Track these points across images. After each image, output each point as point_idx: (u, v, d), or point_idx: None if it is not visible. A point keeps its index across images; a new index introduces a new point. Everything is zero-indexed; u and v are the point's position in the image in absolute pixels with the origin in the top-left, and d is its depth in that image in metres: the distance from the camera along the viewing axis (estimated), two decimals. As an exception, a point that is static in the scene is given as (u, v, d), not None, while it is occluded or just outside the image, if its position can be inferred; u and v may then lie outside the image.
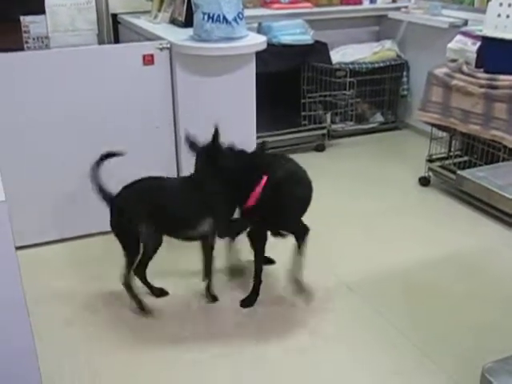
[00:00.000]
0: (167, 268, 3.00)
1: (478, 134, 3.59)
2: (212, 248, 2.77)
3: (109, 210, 2.65)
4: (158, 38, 3.31)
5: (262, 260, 2.79)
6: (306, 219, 2.76)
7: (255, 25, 4.37)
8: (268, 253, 2.85)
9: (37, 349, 1.60)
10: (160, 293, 2.87)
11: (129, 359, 2.47)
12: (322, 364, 2.44)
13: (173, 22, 3.69)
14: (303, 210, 2.71)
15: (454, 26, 4.33)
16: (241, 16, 3.14)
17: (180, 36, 3.28)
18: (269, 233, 2.79)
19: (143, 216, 2.60)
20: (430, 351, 2.49)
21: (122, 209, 2.63)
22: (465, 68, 3.63)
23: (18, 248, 1.53)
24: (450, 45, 3.85)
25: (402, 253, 3.26)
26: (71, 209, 3.30)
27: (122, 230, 2.66)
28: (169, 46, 3.19)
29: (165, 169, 3.33)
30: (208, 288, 2.83)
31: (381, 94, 5.07)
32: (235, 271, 2.99)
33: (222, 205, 2.68)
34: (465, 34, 3.80)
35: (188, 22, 3.39)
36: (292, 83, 4.58)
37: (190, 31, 3.25)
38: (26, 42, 3.43)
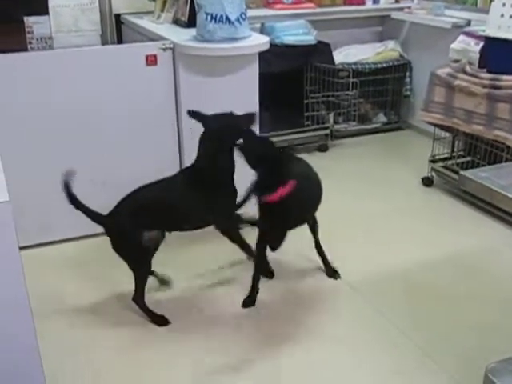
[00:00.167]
0: (168, 269, 3.00)
1: (481, 135, 3.59)
2: (235, 233, 2.81)
3: (107, 234, 2.63)
4: (161, 38, 3.31)
5: (262, 258, 2.79)
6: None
7: (258, 25, 4.37)
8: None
9: (40, 348, 1.60)
10: (162, 281, 2.91)
11: (130, 359, 2.48)
12: (324, 363, 2.45)
13: (176, 22, 3.69)
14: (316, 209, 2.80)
15: (457, 27, 4.33)
16: (244, 16, 3.15)
17: (183, 36, 3.28)
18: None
19: (145, 227, 2.60)
20: (431, 351, 2.49)
21: (122, 230, 2.60)
22: (468, 68, 3.63)
23: (22, 248, 1.54)
24: (452, 45, 3.84)
25: (405, 253, 3.26)
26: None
27: (128, 249, 2.63)
28: (172, 46, 3.19)
29: (167, 169, 3.34)
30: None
31: (384, 95, 5.06)
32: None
33: (223, 195, 2.67)
34: (468, 34, 3.80)
35: (191, 23, 3.40)
36: (295, 83, 4.58)
37: (192, 31, 3.26)
38: (30, 43, 3.44)
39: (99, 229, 3.29)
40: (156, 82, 3.24)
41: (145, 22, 3.80)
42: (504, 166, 2.90)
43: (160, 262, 2.74)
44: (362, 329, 2.65)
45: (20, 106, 3.04)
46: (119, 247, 2.62)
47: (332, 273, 3.00)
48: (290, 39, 4.34)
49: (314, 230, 2.93)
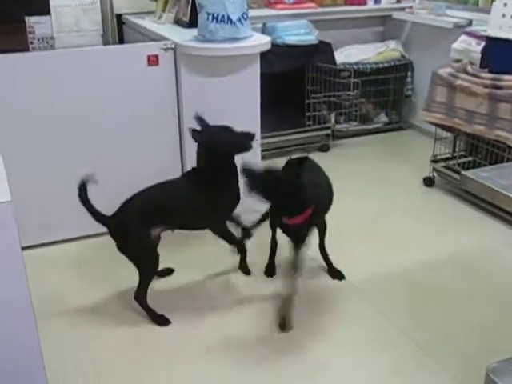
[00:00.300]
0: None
1: (483, 135, 3.59)
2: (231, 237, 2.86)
3: (111, 235, 2.63)
4: (163, 38, 3.31)
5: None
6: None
7: (260, 25, 4.37)
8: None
9: (41, 348, 1.60)
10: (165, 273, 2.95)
11: (131, 359, 2.48)
12: (324, 363, 2.45)
13: (177, 22, 3.69)
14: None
15: (459, 27, 4.33)
16: (245, 16, 3.15)
17: (184, 36, 3.29)
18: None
19: (151, 224, 2.61)
20: (432, 351, 2.49)
21: (129, 229, 2.60)
22: (469, 68, 3.63)
23: (24, 248, 1.54)
24: (454, 45, 3.84)
25: (406, 253, 3.26)
26: (77, 209, 3.30)
27: (135, 248, 2.63)
28: (173, 46, 3.20)
29: (169, 169, 3.34)
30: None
31: (385, 95, 5.06)
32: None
33: (219, 201, 2.71)
34: (469, 34, 3.80)
35: (192, 23, 3.40)
36: (296, 83, 4.58)
37: (194, 32, 3.26)
38: (31, 43, 3.44)
39: (101, 229, 3.32)
40: (157, 83, 3.24)
41: (146, 22, 3.80)
42: (505, 166, 2.89)
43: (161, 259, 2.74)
44: (363, 328, 2.65)
45: (21, 106, 3.04)
46: (125, 247, 2.62)
47: (336, 274, 3.01)
48: (291, 39, 4.33)
49: (321, 231, 2.95)
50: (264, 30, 4.33)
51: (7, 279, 1.47)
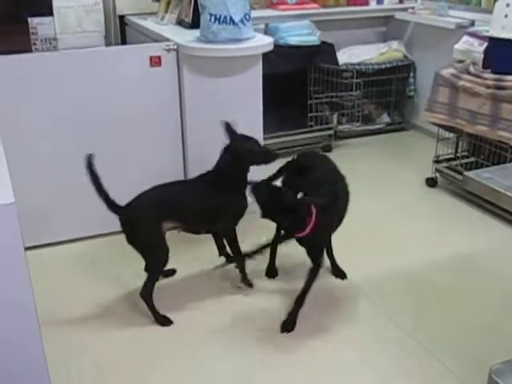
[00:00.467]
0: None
1: (485, 135, 3.59)
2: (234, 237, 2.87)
3: (122, 225, 2.63)
4: (165, 39, 3.32)
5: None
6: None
7: (262, 26, 4.37)
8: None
9: (45, 350, 1.61)
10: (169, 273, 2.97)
11: (134, 360, 2.48)
12: (328, 364, 2.45)
13: (180, 23, 3.70)
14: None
15: (461, 27, 4.33)
16: (247, 17, 3.15)
17: (187, 37, 3.29)
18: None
19: (164, 217, 2.63)
20: (435, 351, 2.49)
21: (141, 219, 2.62)
22: (472, 69, 3.62)
23: (28, 248, 1.54)
24: (456, 45, 3.84)
25: (409, 253, 3.26)
26: (80, 209, 3.31)
27: (146, 240, 2.64)
28: (176, 47, 3.20)
29: (172, 170, 3.35)
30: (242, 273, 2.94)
31: (387, 95, 5.06)
32: None
33: (235, 205, 2.79)
34: (472, 34, 3.80)
35: (195, 24, 3.40)
36: (299, 84, 4.58)
37: (196, 32, 3.26)
38: (34, 44, 3.45)
39: (103, 229, 3.33)
40: (160, 83, 3.24)
41: (149, 23, 3.81)
42: (508, 166, 2.89)
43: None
44: (366, 328, 2.65)
45: (24, 107, 3.04)
46: (135, 238, 2.63)
47: (338, 273, 3.01)
48: (293, 40, 4.33)
49: None
50: (266, 31, 4.33)
51: (10, 280, 1.48)
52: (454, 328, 2.65)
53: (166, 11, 3.83)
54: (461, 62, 3.77)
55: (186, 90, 3.24)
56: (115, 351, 2.53)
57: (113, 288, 2.94)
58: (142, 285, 2.66)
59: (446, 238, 3.43)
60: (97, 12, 3.52)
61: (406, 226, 3.57)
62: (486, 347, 2.50)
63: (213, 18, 3.08)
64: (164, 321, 2.68)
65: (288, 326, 2.63)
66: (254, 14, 3.51)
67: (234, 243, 2.88)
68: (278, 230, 2.92)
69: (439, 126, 3.93)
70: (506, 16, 3.39)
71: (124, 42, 4.19)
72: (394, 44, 5.02)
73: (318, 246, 2.71)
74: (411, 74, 5.01)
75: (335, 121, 4.79)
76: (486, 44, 3.60)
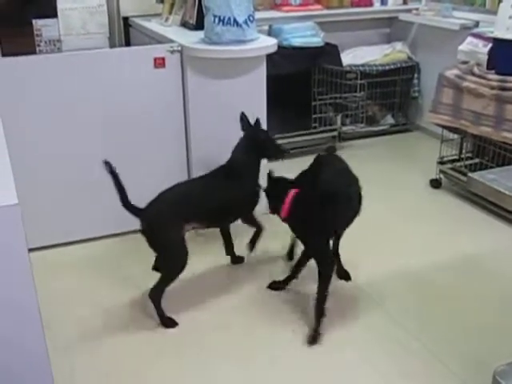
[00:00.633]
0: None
1: (490, 136, 3.58)
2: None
3: (143, 228, 2.62)
4: (169, 40, 3.32)
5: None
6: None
7: (266, 27, 4.37)
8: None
9: (48, 351, 1.61)
10: None
11: (138, 361, 2.48)
12: (331, 365, 2.45)
13: (184, 24, 3.70)
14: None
15: (465, 28, 4.32)
16: (251, 18, 3.15)
17: (191, 39, 3.29)
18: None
19: (185, 219, 2.64)
20: (439, 353, 2.48)
21: (163, 222, 2.61)
22: (476, 70, 3.62)
23: (32, 250, 1.55)
24: (461, 47, 3.83)
25: (413, 255, 3.25)
26: (84, 211, 3.32)
27: (167, 242, 2.64)
28: (180, 48, 3.20)
29: (175, 171, 3.36)
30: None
31: (392, 96, 5.06)
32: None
33: (250, 195, 2.86)
34: (476, 35, 3.79)
35: (199, 25, 3.40)
36: (303, 85, 4.58)
37: (200, 34, 3.26)
38: (38, 46, 3.45)
39: (107, 231, 3.34)
40: (164, 85, 3.24)
41: (153, 25, 3.81)
42: (512, 167, 2.89)
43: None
44: (369, 330, 2.65)
45: (28, 108, 3.05)
46: (157, 241, 2.62)
47: (343, 274, 3.01)
48: (297, 41, 4.33)
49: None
50: (270, 32, 4.34)
51: (14, 281, 1.48)
52: (457, 329, 2.65)
53: (170, 13, 3.84)
54: (465, 63, 3.77)
55: (190, 92, 3.24)
56: (119, 351, 2.53)
57: (115, 290, 2.94)
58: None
59: (450, 239, 3.42)
60: (101, 14, 3.53)
61: (409, 227, 3.56)
62: (488, 348, 2.50)
63: (217, 20, 3.08)
64: (169, 323, 2.68)
65: (312, 339, 2.58)
66: (258, 15, 3.51)
67: (253, 222, 2.98)
68: None
69: (443, 127, 3.92)
70: (510, 17, 3.38)
71: (128, 43, 4.19)
72: (398, 45, 5.02)
73: (311, 244, 2.68)
74: (415, 76, 5.01)
75: (339, 122, 4.79)
76: (490, 45, 3.59)
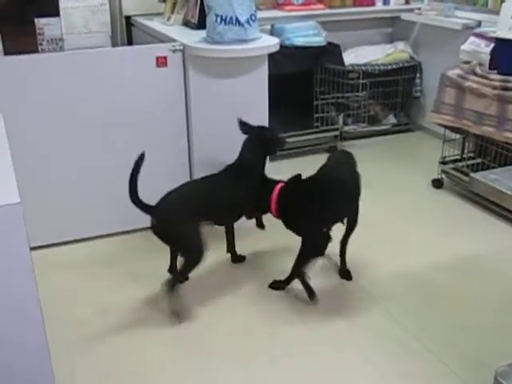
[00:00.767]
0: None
1: (492, 136, 3.57)
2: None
3: (157, 226, 2.64)
4: (171, 39, 3.32)
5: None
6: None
7: (268, 27, 4.37)
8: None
9: (49, 349, 1.61)
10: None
11: (138, 362, 2.48)
12: (331, 365, 2.44)
13: (186, 24, 3.70)
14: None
15: (468, 28, 4.32)
16: (253, 18, 3.15)
17: (193, 38, 3.29)
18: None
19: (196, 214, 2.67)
20: (440, 353, 2.48)
21: (178, 218, 2.64)
22: (478, 70, 3.62)
23: (34, 248, 1.55)
24: (463, 46, 3.83)
25: (414, 254, 3.25)
26: (84, 209, 3.32)
27: (185, 236, 2.67)
28: (182, 48, 3.20)
29: (177, 170, 3.36)
30: None
31: (394, 96, 5.06)
32: None
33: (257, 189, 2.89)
34: (478, 35, 3.79)
35: (201, 24, 3.40)
36: (305, 85, 4.58)
37: (202, 33, 3.26)
38: (40, 44, 3.45)
39: (109, 229, 3.34)
40: (166, 84, 3.24)
41: (155, 24, 3.81)
42: (514, 168, 2.89)
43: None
44: (370, 330, 2.64)
45: (30, 107, 3.05)
46: (173, 236, 2.66)
47: (345, 274, 3.01)
48: (299, 40, 4.33)
49: (349, 228, 2.98)
50: (272, 32, 4.34)
51: (15, 280, 1.48)
52: (457, 329, 2.65)
53: (172, 12, 3.84)
54: (467, 62, 3.77)
55: (192, 91, 3.24)
56: (120, 351, 2.53)
57: (117, 288, 2.95)
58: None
59: (452, 239, 3.42)
60: (103, 13, 3.53)
61: (411, 227, 3.56)
62: (489, 348, 2.50)
63: (219, 19, 3.08)
64: (177, 315, 2.71)
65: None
66: (260, 14, 3.51)
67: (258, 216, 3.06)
68: None
69: (445, 127, 3.92)
70: (512, 17, 3.38)
71: (130, 42, 4.19)
72: (401, 45, 5.02)
73: (304, 233, 2.75)
74: (417, 75, 5.00)
75: (341, 122, 4.79)
76: (492, 45, 3.59)
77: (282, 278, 2.91)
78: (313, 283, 2.81)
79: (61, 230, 3.30)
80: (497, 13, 3.64)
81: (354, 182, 2.91)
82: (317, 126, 4.65)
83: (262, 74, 3.33)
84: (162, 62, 3.19)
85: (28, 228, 1.45)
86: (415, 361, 2.45)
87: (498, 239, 3.43)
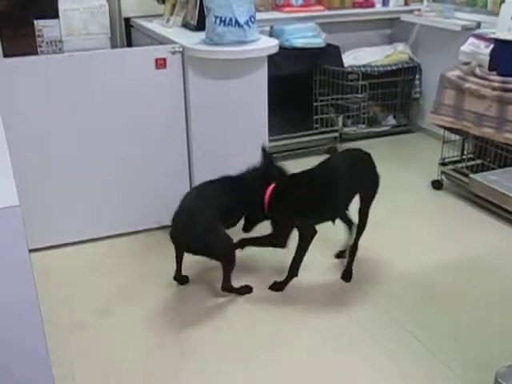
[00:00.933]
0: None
1: (491, 137, 3.57)
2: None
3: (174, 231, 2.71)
4: (171, 41, 3.32)
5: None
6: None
7: (267, 28, 4.37)
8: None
9: (49, 351, 1.61)
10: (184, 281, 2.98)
11: (138, 362, 2.48)
12: (333, 367, 2.44)
13: (185, 25, 3.70)
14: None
15: (467, 29, 4.32)
16: (253, 19, 3.15)
17: (192, 39, 3.29)
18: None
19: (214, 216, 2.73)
20: (440, 353, 2.48)
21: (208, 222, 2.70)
22: (478, 71, 3.62)
23: (33, 250, 1.55)
24: (462, 47, 3.83)
25: (414, 256, 3.25)
26: (84, 212, 3.32)
27: (219, 241, 2.73)
28: (181, 49, 3.20)
29: (177, 172, 3.36)
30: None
31: (393, 97, 5.06)
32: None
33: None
34: (478, 36, 3.79)
35: (200, 26, 3.40)
36: (304, 86, 4.58)
37: (202, 35, 3.26)
38: (40, 46, 3.45)
39: (107, 231, 3.34)
40: (165, 85, 3.24)
41: (154, 26, 3.81)
42: (514, 169, 2.89)
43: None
44: (371, 331, 2.64)
45: (29, 109, 3.05)
46: (208, 243, 2.70)
47: (346, 274, 3.00)
48: (299, 42, 4.33)
49: (359, 228, 3.01)
50: (272, 33, 4.34)
51: (15, 282, 1.48)
52: (458, 329, 2.64)
53: (172, 14, 3.84)
54: (467, 64, 3.77)
55: (192, 92, 3.24)
56: (119, 351, 2.53)
57: (116, 289, 2.95)
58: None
59: (451, 240, 3.42)
60: (102, 14, 3.53)
61: (411, 228, 3.56)
62: (489, 348, 2.49)
63: (218, 21, 3.08)
64: (247, 289, 2.87)
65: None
66: (259, 16, 3.51)
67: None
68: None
69: (445, 128, 3.92)
70: (512, 18, 3.38)
71: (129, 44, 4.19)
72: (400, 46, 5.02)
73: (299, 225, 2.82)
74: (417, 76, 5.00)
75: (340, 123, 4.79)
76: (492, 46, 3.59)
77: (282, 278, 2.91)
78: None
79: (60, 233, 3.30)
80: (496, 14, 3.64)
81: (354, 182, 2.90)
82: (316, 128, 4.65)
83: (262, 76, 3.33)
84: (161, 63, 3.19)
85: (27, 230, 1.45)
86: (415, 361, 2.44)
87: (498, 240, 3.42)
